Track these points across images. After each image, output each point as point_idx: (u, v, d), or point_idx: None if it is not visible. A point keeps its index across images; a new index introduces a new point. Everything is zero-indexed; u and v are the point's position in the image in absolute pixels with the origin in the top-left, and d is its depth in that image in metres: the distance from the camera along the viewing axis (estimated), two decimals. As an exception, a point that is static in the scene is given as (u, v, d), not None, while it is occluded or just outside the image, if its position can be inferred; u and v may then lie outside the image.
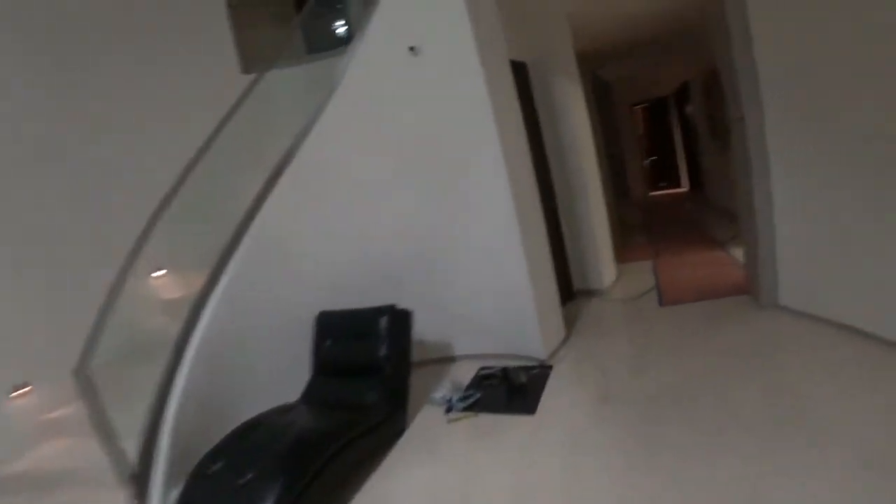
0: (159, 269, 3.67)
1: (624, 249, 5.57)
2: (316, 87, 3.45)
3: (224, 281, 2.75)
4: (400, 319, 2.67)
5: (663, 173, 11.08)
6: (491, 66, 2.76)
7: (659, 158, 10.97)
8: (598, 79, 7.42)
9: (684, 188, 10.51)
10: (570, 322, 3.55)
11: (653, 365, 2.74)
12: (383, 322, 2.60)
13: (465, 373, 3.07)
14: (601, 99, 7.40)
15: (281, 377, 2.77)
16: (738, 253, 4.58)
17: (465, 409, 2.63)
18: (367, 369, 2.56)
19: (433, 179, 3.02)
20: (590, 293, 4.15)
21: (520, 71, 3.66)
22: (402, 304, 2.82)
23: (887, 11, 2.11)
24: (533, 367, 2.94)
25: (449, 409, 2.64)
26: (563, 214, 3.99)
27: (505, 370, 2.92)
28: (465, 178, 2.92)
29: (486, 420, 2.52)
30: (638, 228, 6.87)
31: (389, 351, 2.58)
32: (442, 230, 3.08)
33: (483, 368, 3.05)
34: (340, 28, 4.06)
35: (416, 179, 3.04)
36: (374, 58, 2.98)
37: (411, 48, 2.82)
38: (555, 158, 3.89)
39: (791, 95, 2.80)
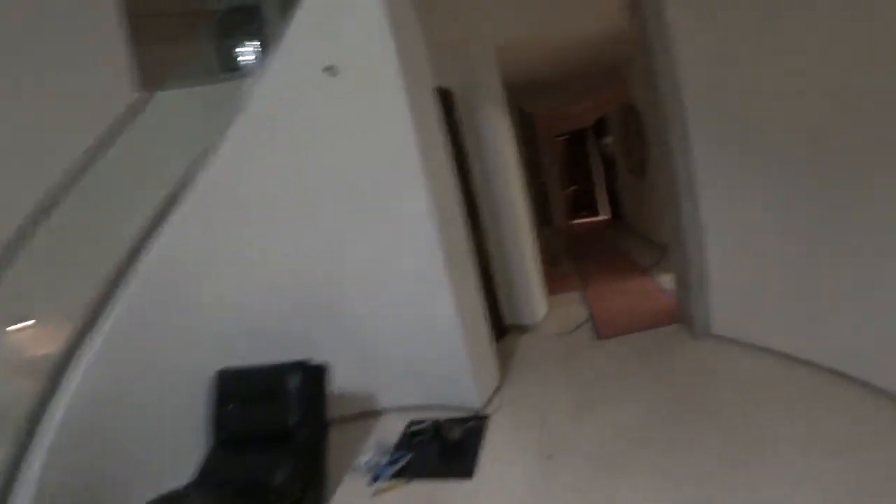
0: (24, 320, 3.07)
1: (553, 280, 5.50)
2: (221, 109, 3.07)
3: (101, 333, 2.28)
4: (313, 376, 2.31)
5: (584, 202, 11.42)
6: (415, 90, 2.54)
7: (580, 188, 11.31)
8: (523, 111, 7.49)
9: (604, 216, 10.86)
10: (504, 363, 3.34)
11: (597, 408, 2.56)
12: (294, 381, 2.23)
13: (392, 428, 2.74)
14: (525, 130, 7.46)
15: (171, 452, 2.30)
16: (664, 279, 4.63)
17: (394, 475, 2.30)
18: (276, 438, 2.17)
19: (352, 212, 2.70)
20: (522, 329, 3.98)
21: (446, 98, 3.49)
22: (320, 351, 2.48)
23: (808, 34, 2.13)
24: (467, 419, 2.66)
25: (376, 478, 2.29)
26: (491, 247, 3.81)
27: (437, 424, 2.62)
28: (386, 210, 2.64)
29: (418, 489, 2.20)
30: (564, 257, 6.89)
31: (302, 415, 2.21)
32: (362, 269, 2.76)
33: (412, 423, 2.73)
34: (250, 47, 3.70)
35: (333, 213, 2.72)
36: (287, 78, 2.65)
37: (328, 68, 2.54)
38: (482, 188, 3.73)
39: (716, 122, 2.80)
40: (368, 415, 2.98)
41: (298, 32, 2.62)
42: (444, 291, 2.60)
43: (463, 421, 2.64)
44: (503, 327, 3.94)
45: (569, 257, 6.87)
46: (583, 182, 11.29)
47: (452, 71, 3.58)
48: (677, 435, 2.18)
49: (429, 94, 2.75)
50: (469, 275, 2.86)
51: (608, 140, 9.25)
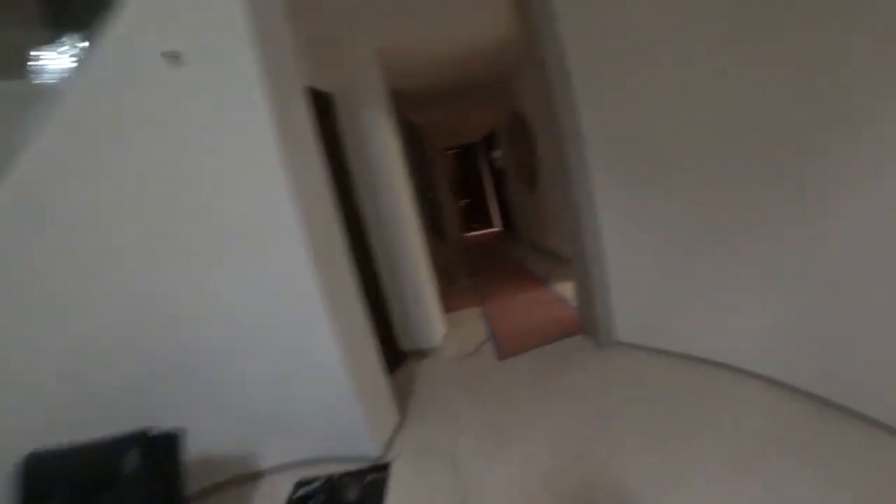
0: None
1: (450, 297, 5.27)
2: (31, 109, 2.42)
3: None
4: (160, 448, 1.79)
5: (476, 215, 11.49)
6: (280, 90, 2.13)
7: (472, 201, 11.36)
8: (411, 123, 7.27)
9: (497, 228, 10.98)
10: (403, 396, 2.99)
11: (510, 441, 2.29)
12: (132, 458, 1.70)
13: (276, 492, 2.27)
14: (414, 143, 7.25)
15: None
16: (562, 288, 4.58)
17: (273, 560, 1.85)
18: (106, 540, 1.63)
19: (203, 241, 2.17)
20: (421, 354, 3.66)
21: (324, 102, 3.11)
22: (179, 413, 1.99)
23: (696, 46, 2.08)
24: (365, 472, 2.27)
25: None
26: (381, 267, 3.46)
27: (330, 482, 2.20)
28: (246, 235, 2.15)
29: (303, 575, 1.78)
30: (460, 271, 6.72)
31: (146, 501, 1.68)
32: (220, 309, 2.24)
33: (300, 483, 2.27)
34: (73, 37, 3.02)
35: (180, 242, 2.18)
36: (116, 72, 2.11)
37: (168, 54, 2.04)
38: (368, 204, 3.37)
39: (611, 133, 2.74)
40: (247, 478, 2.46)
41: (132, 18, 2.09)
42: (323, 327, 2.18)
43: (360, 474, 2.25)
44: (400, 354, 3.60)
45: (465, 271, 6.71)
46: (475, 195, 11.36)
47: (331, 72, 3.22)
48: (599, 460, 1.98)
49: (298, 95, 2.35)
50: (353, 304, 2.47)
51: (497, 153, 9.36)
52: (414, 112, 7.39)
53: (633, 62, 2.48)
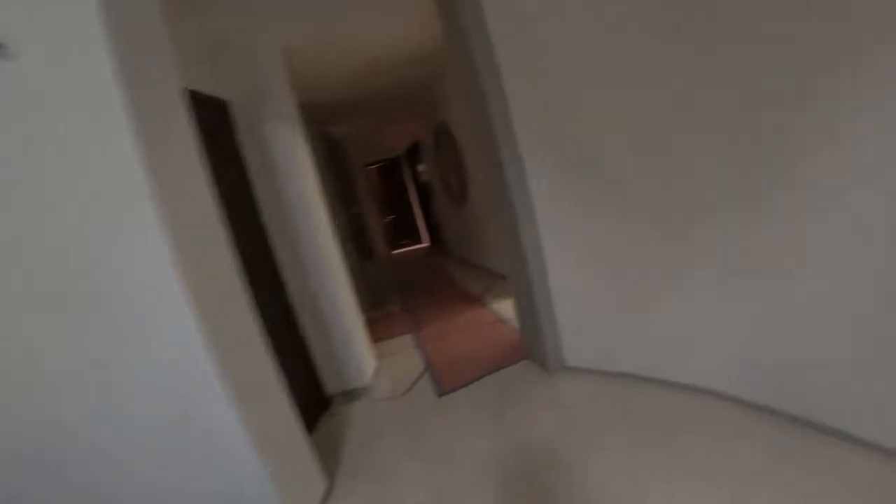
0: None
1: (379, 324, 4.84)
2: None
3: None
4: None
5: (404, 231, 11.12)
6: (149, 97, 1.65)
7: (398, 216, 10.97)
8: (329, 136, 6.80)
9: (425, 244, 10.66)
10: (330, 453, 2.54)
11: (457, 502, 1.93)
12: None
13: None
14: (335, 158, 6.79)
15: None
16: (501, 307, 4.30)
17: None
18: None
19: (49, 294, 1.61)
20: (349, 395, 3.21)
21: (218, 110, 2.63)
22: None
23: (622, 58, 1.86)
24: (280, 567, 1.81)
25: None
26: (296, 300, 2.99)
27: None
28: (110, 282, 1.60)
29: None
30: (390, 293, 6.30)
31: None
32: (80, 382, 1.68)
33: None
34: None
35: (23, 290, 1.63)
36: None
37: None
38: (277, 227, 2.90)
39: (551, 140, 2.48)
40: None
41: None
42: (212, 387, 1.70)
43: (273, 571, 1.78)
44: (325, 399, 3.13)
45: (395, 292, 6.30)
46: (401, 210, 10.98)
47: (228, 75, 2.74)
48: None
49: (177, 103, 1.87)
50: (255, 352, 1.98)
51: (423, 166, 9.06)
52: (333, 125, 6.94)
53: (574, 68, 2.24)
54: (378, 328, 4.64)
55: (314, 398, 2.99)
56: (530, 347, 3.07)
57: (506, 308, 4.21)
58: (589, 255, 2.53)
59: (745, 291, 1.94)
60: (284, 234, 2.89)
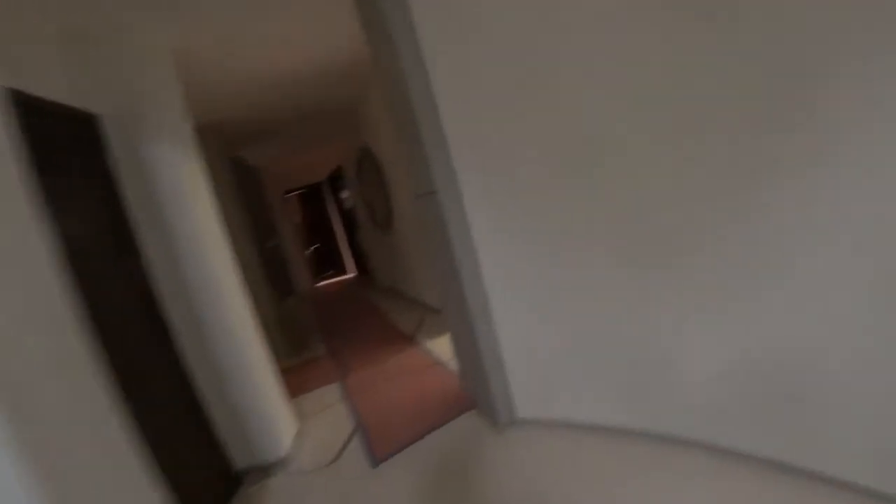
0: None
1: (300, 372, 4.28)
2: None
3: None
4: None
5: (328, 261, 10.50)
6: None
7: (322, 246, 10.35)
8: (242, 163, 6.19)
9: (352, 274, 10.10)
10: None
11: None
12: None
13: None
14: (248, 186, 6.18)
15: None
16: (436, 346, 3.90)
17: None
18: None
19: None
20: (263, 471, 2.65)
21: (85, 127, 2.08)
22: None
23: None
24: None
25: None
26: (192, 359, 2.43)
27: None
28: None
29: None
30: (313, 334, 5.72)
31: None
32: None
33: None
34: None
35: None
36: None
37: None
38: (165, 269, 2.34)
39: (494, 160, 2.16)
40: None
41: None
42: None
43: None
44: (233, 479, 2.55)
45: (319, 333, 5.72)
46: (325, 239, 10.37)
47: (100, 83, 2.19)
48: None
49: None
50: (112, 447, 1.45)
51: (346, 193, 8.57)
52: (247, 148, 6.34)
53: (522, 79, 1.94)
54: (299, 378, 4.08)
55: (218, 479, 2.42)
56: (475, 397, 2.69)
57: (443, 347, 3.82)
58: (542, 288, 2.21)
59: (724, 325, 1.69)
60: (173, 278, 2.34)
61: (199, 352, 2.43)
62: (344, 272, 10.44)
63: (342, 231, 9.95)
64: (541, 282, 2.20)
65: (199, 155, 2.59)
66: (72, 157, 1.92)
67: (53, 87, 1.93)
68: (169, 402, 2.20)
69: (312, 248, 10.26)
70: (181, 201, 2.33)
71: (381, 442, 2.68)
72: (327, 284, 9.94)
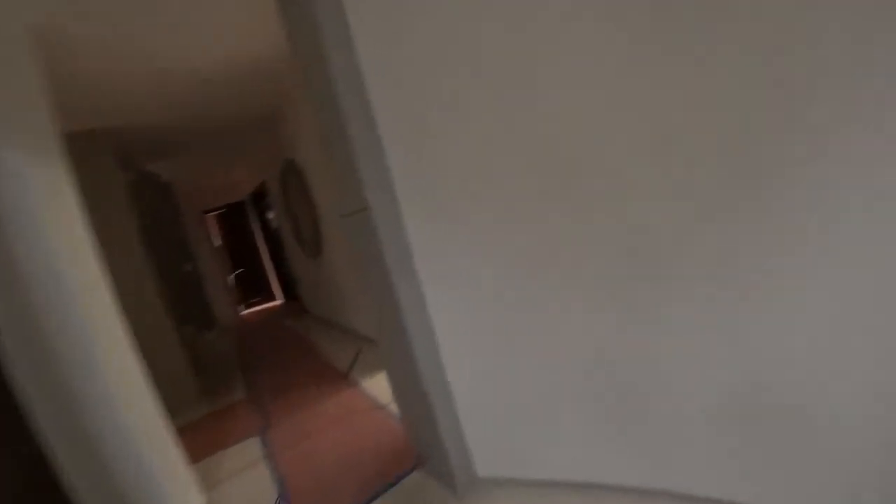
0: None
1: (215, 424, 3.64)
2: None
3: None
4: None
5: (254, 286, 9.69)
6: None
7: (247, 270, 9.54)
8: (152, 178, 5.47)
9: (279, 301, 9.36)
10: None
11: None
12: None
13: None
14: (158, 203, 5.46)
15: None
16: (374, 385, 3.43)
17: None
18: None
19: None
20: (156, 566, 2.05)
21: None
22: None
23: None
24: None
25: None
26: (49, 429, 1.83)
27: None
28: None
29: None
30: (231, 372, 5.04)
31: None
32: None
33: None
34: None
35: None
36: None
37: None
38: (9, 316, 1.73)
39: (438, 176, 1.79)
40: None
41: None
42: None
43: None
44: (109, 584, 1.94)
45: (239, 371, 5.05)
46: (250, 263, 9.57)
47: None
48: None
49: None
50: None
51: (272, 213, 7.91)
52: (158, 163, 5.63)
53: (466, 88, 1.58)
54: (213, 432, 3.45)
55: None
56: (423, 450, 2.25)
57: (382, 385, 3.35)
58: (503, 321, 1.83)
59: (710, 360, 1.37)
60: (18, 325, 1.74)
61: (60, 420, 1.83)
62: (271, 298, 9.67)
63: (268, 254, 9.22)
64: (502, 314, 1.82)
65: (68, 165, 2.02)
66: None
67: None
68: (10, 491, 1.60)
69: (234, 273, 9.43)
70: (31, 223, 1.75)
71: (310, 516, 2.17)
72: (254, 313, 9.14)
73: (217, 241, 9.31)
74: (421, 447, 2.28)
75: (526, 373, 1.85)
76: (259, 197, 8.26)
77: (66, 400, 1.83)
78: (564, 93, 1.43)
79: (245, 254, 9.51)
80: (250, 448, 3.01)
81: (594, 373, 1.68)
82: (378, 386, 3.40)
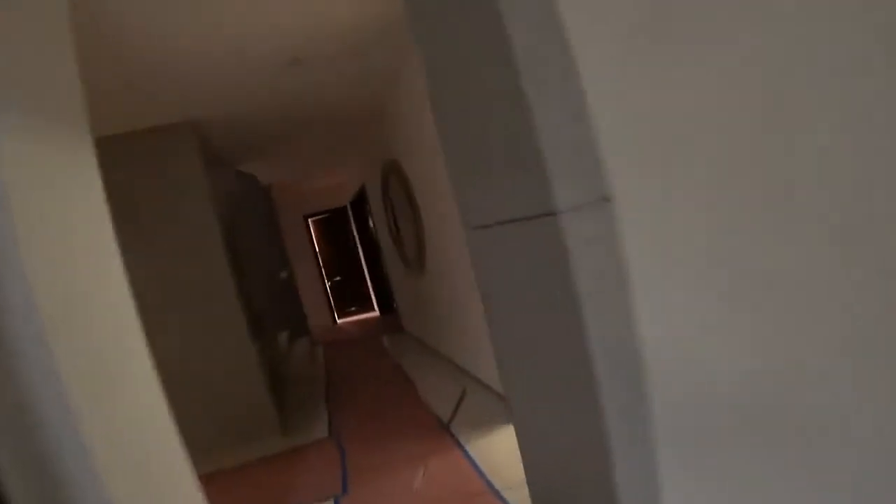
0: None
1: (287, 468, 2.99)
2: None
3: None
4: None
5: (351, 295, 9.33)
6: None
7: (344, 279, 9.20)
8: (248, 178, 5.14)
9: (376, 312, 8.90)
10: None
11: None
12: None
13: None
14: (255, 206, 5.13)
15: None
16: (486, 447, 2.59)
17: None
18: None
19: None
20: None
21: None
22: None
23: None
24: None
25: None
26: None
27: None
28: None
29: None
30: (316, 398, 4.46)
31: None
32: None
33: None
34: None
35: None
36: None
37: None
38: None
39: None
40: None
41: None
42: None
43: None
44: None
45: (326, 395, 4.46)
46: (348, 272, 9.22)
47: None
48: None
49: None
50: None
51: (371, 219, 7.41)
52: (254, 163, 5.29)
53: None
54: (286, 475, 2.81)
55: None
56: None
57: (499, 452, 2.50)
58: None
59: None
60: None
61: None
62: (369, 309, 9.24)
63: (366, 264, 8.80)
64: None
65: (91, 156, 1.40)
66: None
67: None
68: None
69: (334, 280, 9.13)
70: (38, 226, 1.12)
71: None
72: (349, 323, 8.76)
73: (316, 247, 9.08)
74: None
75: None
76: (359, 202, 7.83)
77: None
78: None
79: (344, 261, 9.18)
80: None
81: None
82: (491, 451, 2.55)
